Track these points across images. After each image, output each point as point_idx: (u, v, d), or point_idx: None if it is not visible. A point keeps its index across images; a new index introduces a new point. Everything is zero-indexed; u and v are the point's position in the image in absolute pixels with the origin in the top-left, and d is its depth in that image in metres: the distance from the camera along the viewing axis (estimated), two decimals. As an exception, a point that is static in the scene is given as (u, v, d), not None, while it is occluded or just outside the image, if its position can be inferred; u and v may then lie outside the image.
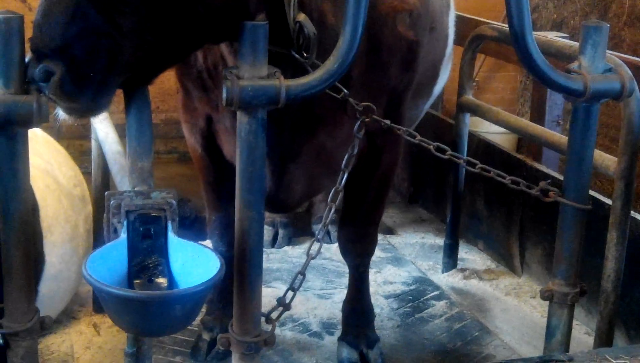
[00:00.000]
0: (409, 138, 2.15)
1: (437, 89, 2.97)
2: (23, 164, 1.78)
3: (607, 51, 2.14)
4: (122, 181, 2.05)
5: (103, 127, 2.40)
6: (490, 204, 3.61)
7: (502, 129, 3.54)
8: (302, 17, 1.95)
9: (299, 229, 3.75)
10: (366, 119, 2.06)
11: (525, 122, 3.26)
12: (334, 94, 2.05)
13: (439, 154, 2.17)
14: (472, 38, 3.19)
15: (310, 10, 2.03)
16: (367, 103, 2.06)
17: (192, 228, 3.22)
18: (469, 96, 3.29)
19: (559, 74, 2.05)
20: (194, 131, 2.48)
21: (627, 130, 2.38)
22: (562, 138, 2.84)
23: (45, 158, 2.77)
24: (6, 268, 1.83)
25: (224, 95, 1.81)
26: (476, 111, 3.27)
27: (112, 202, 1.76)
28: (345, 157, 2.05)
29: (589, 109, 2.13)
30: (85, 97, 1.73)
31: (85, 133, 2.85)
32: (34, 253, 2.00)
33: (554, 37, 3.17)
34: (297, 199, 2.50)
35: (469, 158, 2.26)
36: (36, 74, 1.69)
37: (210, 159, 2.52)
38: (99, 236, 2.70)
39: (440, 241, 3.70)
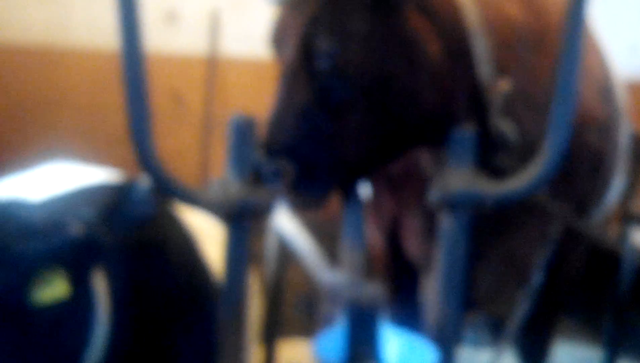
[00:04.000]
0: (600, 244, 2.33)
1: (608, 200, 3.14)
2: (247, 256, 2.04)
3: None
4: (321, 272, 2.28)
5: (291, 224, 2.66)
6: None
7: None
8: (505, 124, 2.19)
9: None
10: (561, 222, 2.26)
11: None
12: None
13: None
14: (637, 150, 3.37)
15: (511, 116, 2.26)
16: (562, 206, 2.26)
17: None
18: (634, 207, 3.44)
19: None
20: (379, 231, 2.72)
21: None
22: None
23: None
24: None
25: (434, 198, 2.04)
26: (644, 222, 3.41)
27: (329, 291, 2.00)
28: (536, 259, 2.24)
29: None
30: (312, 193, 2.01)
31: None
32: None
33: None
34: (481, 299, 2.68)
35: None
36: (268, 171, 1.97)
37: (392, 258, 2.74)
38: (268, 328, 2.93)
39: (595, 354, 3.77)
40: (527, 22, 2.34)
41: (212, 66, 4.86)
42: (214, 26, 4.87)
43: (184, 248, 2.30)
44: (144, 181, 2.15)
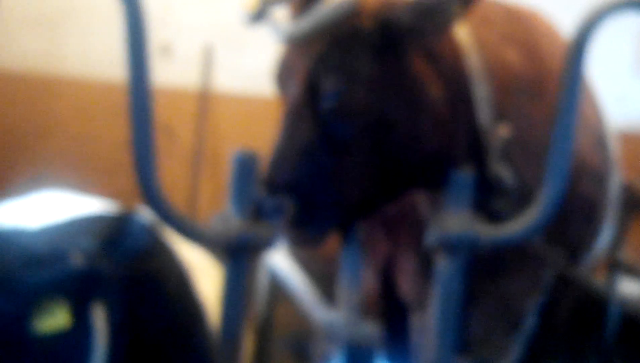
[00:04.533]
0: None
1: (597, 247, 3.18)
2: (247, 291, 2.06)
3: None
4: (317, 311, 2.31)
5: (286, 262, 2.69)
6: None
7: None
8: (503, 169, 2.23)
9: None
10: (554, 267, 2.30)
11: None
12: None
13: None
14: (627, 199, 3.42)
15: (508, 161, 2.30)
16: (556, 250, 2.30)
17: None
18: (622, 255, 3.48)
19: None
20: (371, 270, 2.74)
21: None
22: None
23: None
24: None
25: (430, 239, 2.08)
26: (630, 271, 3.45)
27: (325, 330, 2.02)
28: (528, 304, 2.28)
29: None
30: (312, 230, 2.04)
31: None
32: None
33: None
34: (472, 343, 2.70)
35: None
36: (269, 206, 2.00)
37: (384, 297, 2.76)
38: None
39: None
40: (525, 68, 2.39)
41: (204, 101, 4.90)
42: (208, 61, 4.92)
43: (179, 282, 2.31)
44: (143, 213, 2.17)
